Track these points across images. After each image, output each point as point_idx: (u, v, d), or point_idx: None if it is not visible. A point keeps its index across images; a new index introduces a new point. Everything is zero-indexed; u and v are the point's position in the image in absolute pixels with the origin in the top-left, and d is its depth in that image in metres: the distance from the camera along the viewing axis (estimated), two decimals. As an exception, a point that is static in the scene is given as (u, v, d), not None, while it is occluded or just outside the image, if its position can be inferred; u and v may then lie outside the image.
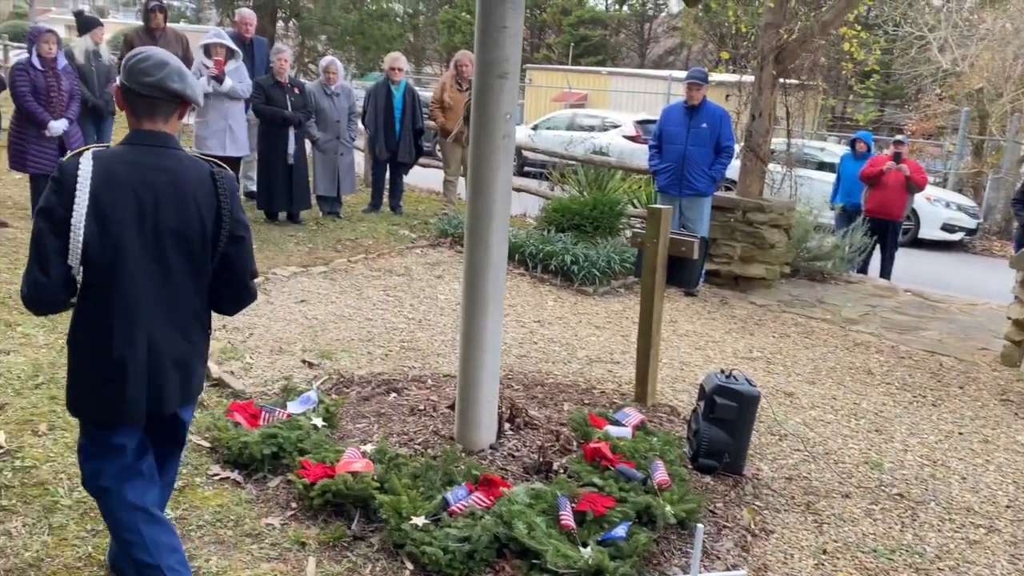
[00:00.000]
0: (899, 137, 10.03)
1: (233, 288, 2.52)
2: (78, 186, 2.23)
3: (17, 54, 15.41)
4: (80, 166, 2.25)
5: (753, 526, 3.41)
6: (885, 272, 8.98)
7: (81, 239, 2.22)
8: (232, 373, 4.49)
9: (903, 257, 9.29)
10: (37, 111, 6.77)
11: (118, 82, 2.40)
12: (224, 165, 2.51)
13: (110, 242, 2.26)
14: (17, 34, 26.25)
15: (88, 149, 2.31)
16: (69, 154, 2.31)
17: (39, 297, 2.28)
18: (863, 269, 8.94)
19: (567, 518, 3.03)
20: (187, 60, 8.11)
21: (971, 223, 12.66)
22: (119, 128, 11.61)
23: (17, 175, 7.76)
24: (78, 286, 2.30)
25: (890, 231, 8.91)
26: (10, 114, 6.98)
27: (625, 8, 40.43)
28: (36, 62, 6.84)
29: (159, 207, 2.31)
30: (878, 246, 8.89)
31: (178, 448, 2.69)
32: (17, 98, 6.79)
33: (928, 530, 3.55)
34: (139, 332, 2.32)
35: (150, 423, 2.45)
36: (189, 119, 8.84)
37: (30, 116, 6.79)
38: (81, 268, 2.26)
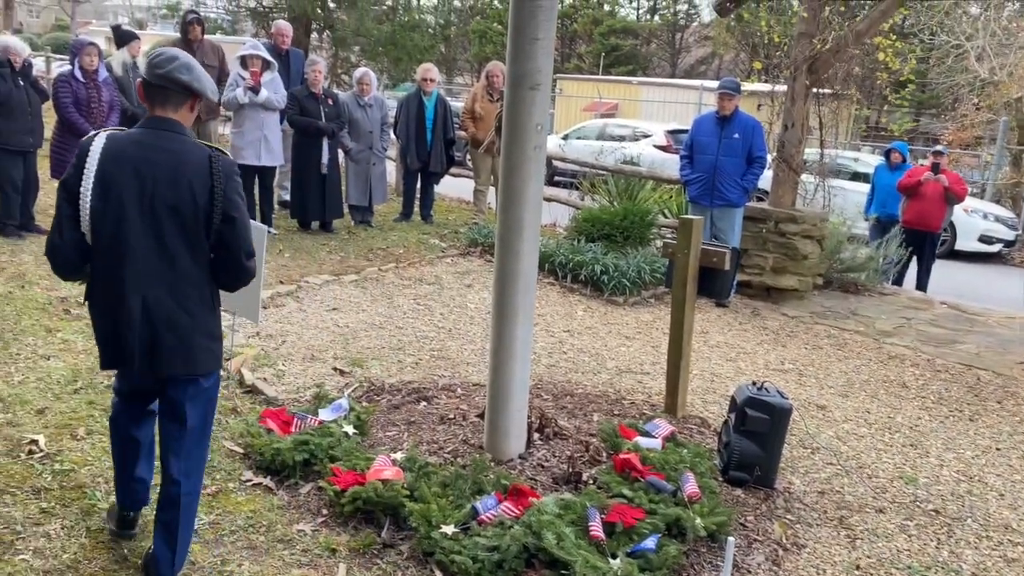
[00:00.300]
0: (938, 147, 9.89)
1: (229, 264, 2.69)
2: (88, 160, 2.52)
3: (59, 65, 15.75)
4: (94, 143, 2.55)
5: (785, 540, 3.38)
6: (921, 284, 8.84)
7: (88, 208, 2.51)
8: (265, 380, 4.55)
9: (939, 269, 9.15)
10: (78, 121, 6.93)
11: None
12: (224, 151, 2.71)
13: (112, 213, 2.52)
14: (59, 46, 26.85)
15: (106, 130, 2.61)
16: (91, 134, 2.61)
17: (54, 258, 2.61)
18: (899, 281, 8.82)
19: (596, 529, 3.02)
20: (223, 71, 8.28)
21: (1009, 235, 12.44)
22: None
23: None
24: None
25: (928, 243, 8.78)
26: (53, 124, 7.15)
27: (656, 18, 40.40)
28: (78, 74, 7.01)
29: (157, 183, 2.53)
30: (915, 258, 8.77)
31: (180, 428, 2.73)
32: (60, 109, 6.96)
33: (965, 547, 3.49)
34: (135, 294, 2.57)
35: (157, 393, 2.77)
36: (225, 129, 9.01)
37: (72, 126, 6.95)
38: (90, 235, 2.55)
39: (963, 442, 4.62)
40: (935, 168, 8.60)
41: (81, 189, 2.50)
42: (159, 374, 2.67)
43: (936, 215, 8.68)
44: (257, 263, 3.08)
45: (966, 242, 12.09)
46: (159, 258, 2.56)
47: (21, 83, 6.70)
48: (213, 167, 2.59)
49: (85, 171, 2.51)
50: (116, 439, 2.92)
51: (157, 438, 2.88)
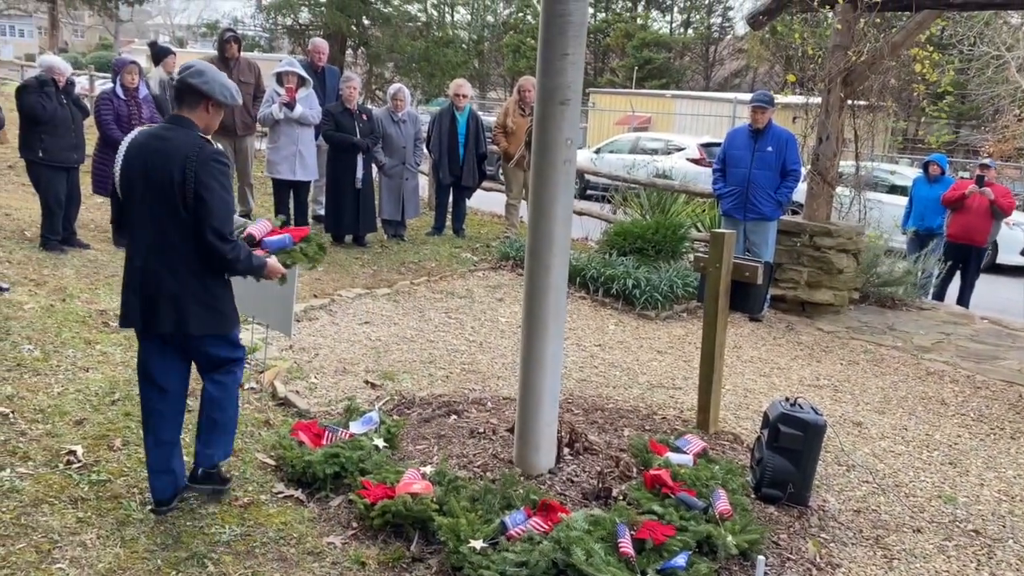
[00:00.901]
0: (984, 160, 9.72)
1: (202, 240, 3.05)
2: (119, 151, 3.17)
3: (102, 83, 16.15)
4: (128, 136, 3.21)
5: (819, 559, 3.32)
6: (963, 299, 8.67)
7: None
8: (297, 393, 4.59)
9: (980, 283, 8.95)
10: (119, 138, 7.04)
11: None
12: (212, 142, 3.16)
13: (126, 190, 3.11)
14: (103, 64, 27.51)
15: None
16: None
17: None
18: (940, 296, 8.65)
19: (626, 545, 3.00)
20: (259, 88, 8.41)
21: (1052, 248, 12.14)
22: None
23: (99, 199, 8.11)
24: None
25: (972, 257, 8.61)
26: (94, 141, 7.33)
27: (690, 31, 40.32)
28: (119, 91, 7.18)
29: (153, 165, 3.04)
30: (958, 272, 8.60)
31: (209, 375, 3.29)
32: (101, 126, 7.13)
33: (1006, 569, 3.40)
34: (138, 260, 3.11)
35: (175, 347, 3.22)
36: (261, 144, 9.15)
37: (113, 143, 7.10)
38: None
39: (1004, 461, 4.51)
40: (979, 181, 8.44)
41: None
42: (156, 329, 3.13)
43: (982, 229, 8.51)
44: (290, 277, 3.55)
45: (1008, 256, 11.83)
46: (154, 230, 3.07)
47: (64, 101, 6.88)
48: (193, 152, 3.02)
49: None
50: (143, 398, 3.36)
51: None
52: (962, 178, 9.08)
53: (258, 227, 3.53)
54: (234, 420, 3.42)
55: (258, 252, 3.37)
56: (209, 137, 3.19)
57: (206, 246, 3.05)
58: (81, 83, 13.59)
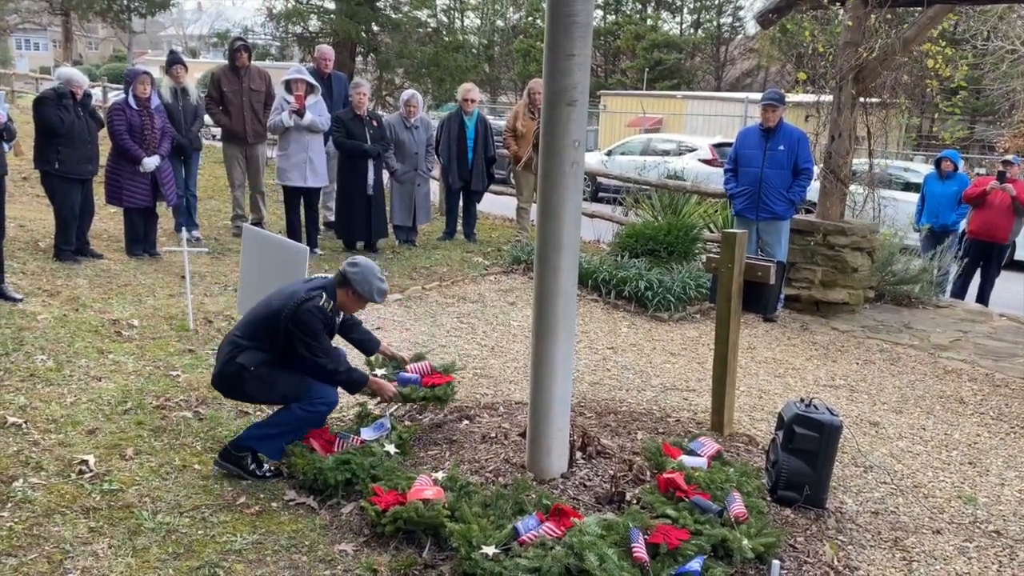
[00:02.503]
0: (1008, 157, 9.60)
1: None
2: None
3: (115, 94, 16.27)
4: None
5: (836, 562, 3.27)
6: (983, 297, 8.56)
7: None
8: (309, 399, 4.58)
9: (998, 280, 8.85)
10: (132, 148, 7.13)
11: None
12: (323, 307, 3.60)
13: None
14: (116, 76, 27.75)
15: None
16: None
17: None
18: (961, 293, 8.55)
19: (640, 550, 2.96)
20: (269, 96, 8.44)
21: (1073, 244, 11.96)
22: (210, 162, 12.09)
23: (112, 209, 8.16)
24: None
25: (994, 254, 8.50)
26: (108, 151, 7.37)
27: (700, 31, 40.21)
28: (132, 102, 7.21)
29: None
30: (979, 269, 8.50)
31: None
32: (114, 136, 7.17)
33: (1028, 571, 3.34)
34: None
35: None
36: (272, 152, 9.17)
37: (126, 153, 7.15)
38: None
39: (1025, 460, 4.44)
40: (1001, 177, 8.34)
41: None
42: None
43: (1003, 226, 8.40)
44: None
45: (1026, 252, 11.68)
46: None
47: (81, 113, 6.93)
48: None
49: None
50: None
51: None
52: (978, 175, 8.96)
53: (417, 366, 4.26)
54: (282, 429, 3.71)
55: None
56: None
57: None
58: (95, 95, 13.70)
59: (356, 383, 3.84)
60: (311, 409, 3.74)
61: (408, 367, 4.30)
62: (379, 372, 4.26)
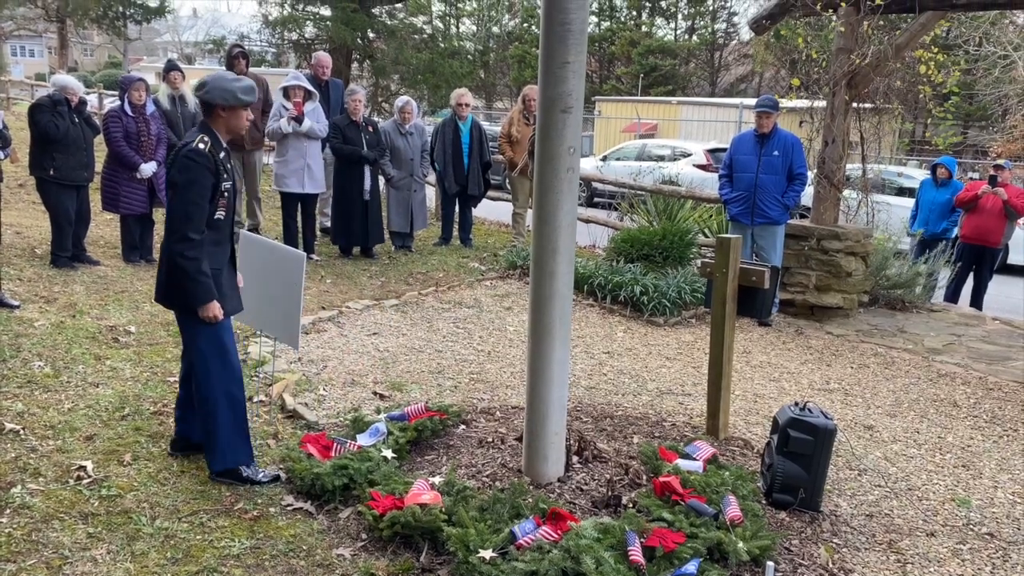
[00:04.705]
0: (1000, 161, 9.67)
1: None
2: None
3: (111, 101, 16.30)
4: None
5: (831, 565, 3.29)
6: (977, 301, 8.61)
7: None
8: (306, 405, 4.60)
9: (991, 284, 8.89)
10: (129, 154, 7.14)
11: None
12: (201, 146, 3.44)
13: None
14: (112, 83, 27.72)
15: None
16: None
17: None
18: (954, 298, 8.59)
19: (636, 554, 2.98)
20: (267, 102, 8.46)
21: (1064, 248, 12.04)
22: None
23: (109, 216, 8.17)
24: None
25: (987, 258, 8.55)
26: (104, 158, 7.38)
27: (695, 37, 40.32)
28: (127, 108, 7.23)
29: None
30: (971, 273, 8.54)
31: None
32: (111, 143, 7.19)
33: (1021, 572, 3.36)
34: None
35: None
36: (268, 159, 9.19)
37: (122, 159, 7.17)
38: None
39: (1018, 463, 4.47)
40: (992, 181, 8.40)
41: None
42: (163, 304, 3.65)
43: (995, 230, 8.45)
44: (296, 289, 3.78)
45: (1019, 256, 11.76)
46: None
47: (76, 120, 6.94)
48: (176, 149, 3.51)
49: None
50: None
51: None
52: (971, 179, 9.02)
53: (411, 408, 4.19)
54: (223, 430, 3.70)
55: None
56: (220, 136, 3.58)
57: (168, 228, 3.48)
58: (91, 102, 13.72)
59: (199, 287, 3.47)
60: (223, 386, 3.62)
61: (406, 409, 4.23)
62: (382, 416, 4.19)
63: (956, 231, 8.86)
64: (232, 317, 3.74)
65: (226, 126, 3.58)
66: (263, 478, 3.69)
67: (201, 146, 3.45)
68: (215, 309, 3.53)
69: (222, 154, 3.55)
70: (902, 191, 12.12)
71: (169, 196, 3.49)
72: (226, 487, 3.63)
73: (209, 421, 3.64)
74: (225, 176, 3.55)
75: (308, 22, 17.07)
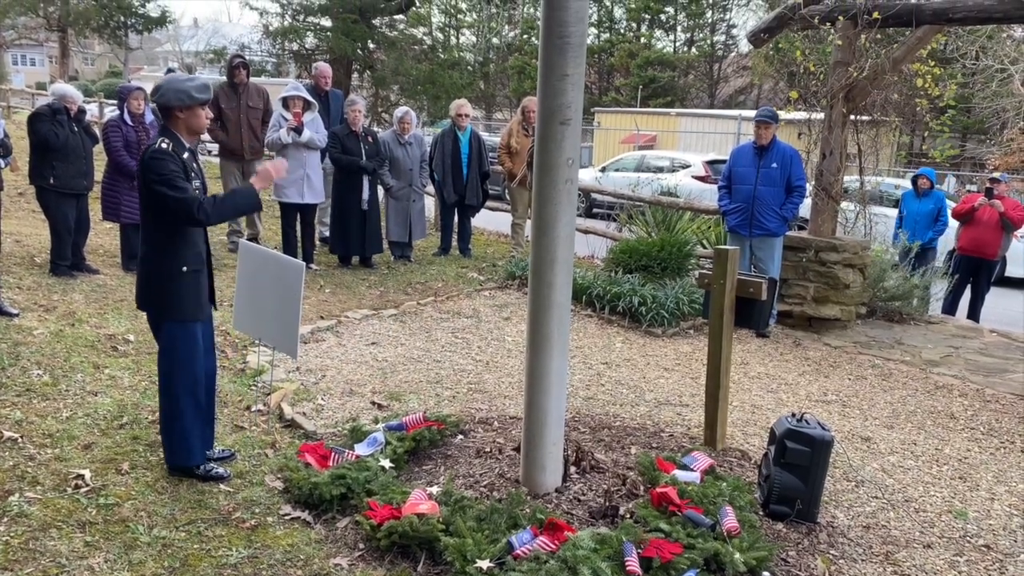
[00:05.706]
0: (996, 174, 9.73)
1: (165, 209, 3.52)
2: None
3: (111, 110, 16.36)
4: None
5: (828, 576, 3.30)
6: (974, 313, 8.63)
7: None
8: (304, 414, 4.61)
9: (988, 296, 8.92)
10: (128, 163, 7.16)
11: None
12: (164, 146, 3.49)
13: None
14: (112, 92, 27.80)
15: None
16: None
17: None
18: (951, 309, 8.60)
19: (633, 564, 2.99)
20: (267, 112, 8.50)
21: (1061, 261, 12.07)
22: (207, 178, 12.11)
23: (108, 224, 8.18)
24: None
25: (984, 270, 8.58)
26: (104, 167, 7.40)
27: (693, 49, 40.48)
28: (127, 118, 7.26)
29: None
30: (969, 285, 8.56)
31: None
32: (110, 152, 7.21)
33: (1018, 584, 3.37)
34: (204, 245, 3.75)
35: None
36: (267, 168, 9.22)
37: (122, 168, 7.19)
38: None
39: (1015, 475, 4.47)
40: (988, 193, 8.43)
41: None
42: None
43: (992, 242, 8.48)
44: (295, 298, 3.84)
45: (1016, 268, 11.80)
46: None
47: (76, 129, 6.97)
48: (141, 155, 3.55)
49: None
50: None
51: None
52: (969, 192, 9.08)
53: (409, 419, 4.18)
54: (178, 422, 3.76)
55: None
56: (181, 138, 3.60)
57: (172, 208, 3.53)
58: (91, 111, 13.76)
59: (247, 198, 3.69)
60: (189, 388, 3.70)
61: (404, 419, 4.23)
62: (380, 426, 4.19)
63: (939, 240, 8.89)
64: (235, 327, 3.78)
65: (186, 126, 3.59)
66: (209, 471, 3.80)
67: (164, 146, 3.49)
68: (266, 175, 3.72)
69: (186, 155, 3.59)
70: (899, 203, 12.14)
71: (160, 195, 3.46)
72: (223, 496, 3.63)
73: (173, 420, 3.71)
74: (193, 175, 3.61)
75: (309, 33, 17.16)
